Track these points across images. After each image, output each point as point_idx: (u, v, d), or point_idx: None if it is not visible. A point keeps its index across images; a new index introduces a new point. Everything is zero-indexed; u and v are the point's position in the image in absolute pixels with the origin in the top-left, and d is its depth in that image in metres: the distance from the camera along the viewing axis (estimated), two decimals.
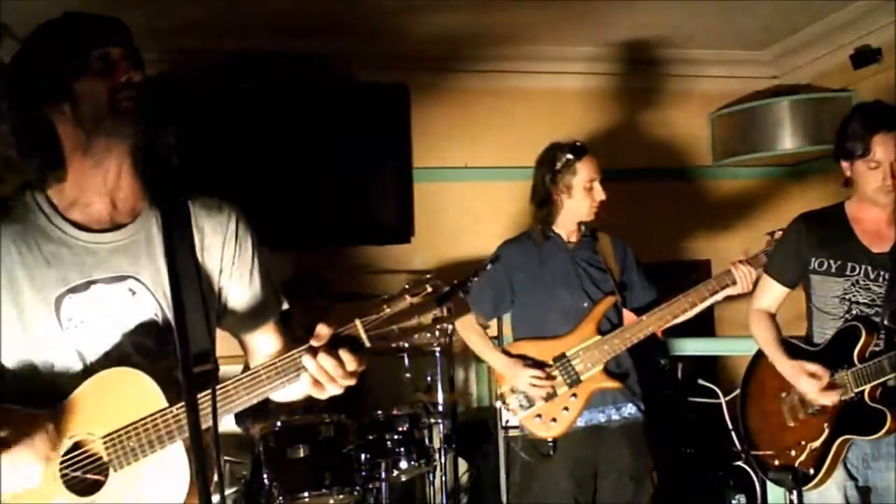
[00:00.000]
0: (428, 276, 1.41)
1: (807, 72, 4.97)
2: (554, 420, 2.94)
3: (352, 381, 1.42)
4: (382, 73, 4.80)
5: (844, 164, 2.62)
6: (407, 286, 1.41)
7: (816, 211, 2.74)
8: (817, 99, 4.71)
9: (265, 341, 1.66)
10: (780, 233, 2.82)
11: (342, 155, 4.70)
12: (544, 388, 2.93)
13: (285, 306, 1.69)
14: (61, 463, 1.43)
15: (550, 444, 2.96)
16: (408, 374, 3.95)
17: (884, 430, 2.42)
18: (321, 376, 1.40)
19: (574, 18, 4.43)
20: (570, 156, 3.06)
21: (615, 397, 2.99)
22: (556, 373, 2.95)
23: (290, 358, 1.42)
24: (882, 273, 2.51)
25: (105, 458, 1.43)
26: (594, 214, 3.09)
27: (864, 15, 4.33)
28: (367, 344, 1.40)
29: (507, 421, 3.89)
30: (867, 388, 2.46)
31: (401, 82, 4.83)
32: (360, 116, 4.74)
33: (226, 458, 3.37)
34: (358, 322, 1.39)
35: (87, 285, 1.48)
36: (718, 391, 3.95)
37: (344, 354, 1.39)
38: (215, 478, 1.43)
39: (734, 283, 2.89)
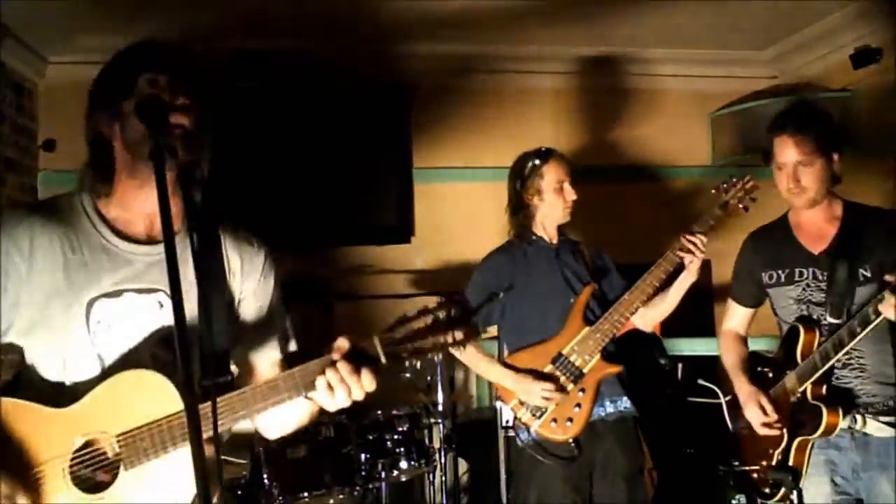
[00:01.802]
0: (443, 298, 1.46)
1: (807, 72, 4.97)
2: (570, 420, 2.93)
3: (362, 396, 1.47)
4: (382, 73, 4.81)
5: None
6: (428, 307, 1.47)
7: (764, 227, 2.75)
8: (817, 99, 4.71)
9: (268, 374, 1.66)
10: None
11: (342, 155, 4.70)
12: (557, 397, 2.93)
13: (293, 347, 1.73)
14: (71, 460, 1.45)
15: (572, 444, 2.95)
16: (408, 374, 3.95)
17: (822, 427, 2.39)
18: (339, 386, 1.44)
19: (574, 19, 4.44)
20: (537, 160, 3.11)
21: (610, 390, 2.99)
22: (557, 373, 2.95)
23: (308, 369, 1.46)
24: (826, 273, 2.49)
25: (116, 457, 1.45)
26: (569, 216, 3.13)
27: (864, 15, 4.33)
28: (384, 360, 1.45)
29: (507, 421, 3.89)
30: (808, 386, 2.44)
31: (401, 82, 4.84)
32: (360, 116, 4.75)
33: (225, 458, 3.37)
34: (376, 338, 1.45)
35: (119, 293, 1.53)
36: (718, 391, 3.95)
37: (363, 369, 1.44)
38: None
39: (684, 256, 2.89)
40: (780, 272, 2.59)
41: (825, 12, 4.47)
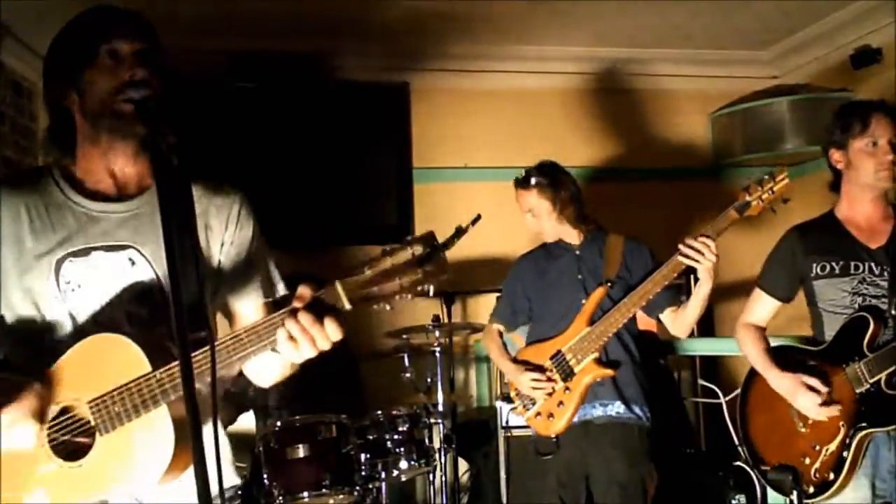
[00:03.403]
0: (408, 238, 1.39)
1: (807, 72, 4.97)
2: (551, 416, 2.97)
3: (328, 346, 1.41)
4: (382, 73, 4.81)
5: (837, 156, 2.61)
6: (387, 248, 1.39)
7: (808, 222, 2.72)
8: (817, 99, 4.71)
9: (253, 319, 1.63)
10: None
11: (342, 155, 4.70)
12: (545, 389, 2.96)
13: (282, 292, 1.70)
14: (49, 428, 1.46)
15: (554, 440, 2.98)
16: (408, 374, 3.95)
17: None
18: (301, 337, 1.38)
19: (575, 18, 4.44)
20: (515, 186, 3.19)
21: (602, 393, 2.98)
22: (553, 369, 2.98)
23: (271, 320, 1.42)
24: (884, 268, 2.50)
25: (92, 423, 1.45)
26: (551, 240, 3.18)
27: (864, 15, 4.33)
28: (347, 305, 1.38)
29: (506, 421, 3.90)
30: (883, 376, 2.40)
31: (401, 82, 4.84)
32: (359, 116, 4.75)
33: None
34: (338, 284, 1.38)
35: (87, 251, 1.52)
36: (719, 391, 3.96)
37: (325, 317, 1.38)
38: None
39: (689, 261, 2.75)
40: (833, 264, 2.56)
41: (825, 12, 4.47)
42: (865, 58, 4.35)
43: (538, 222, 3.14)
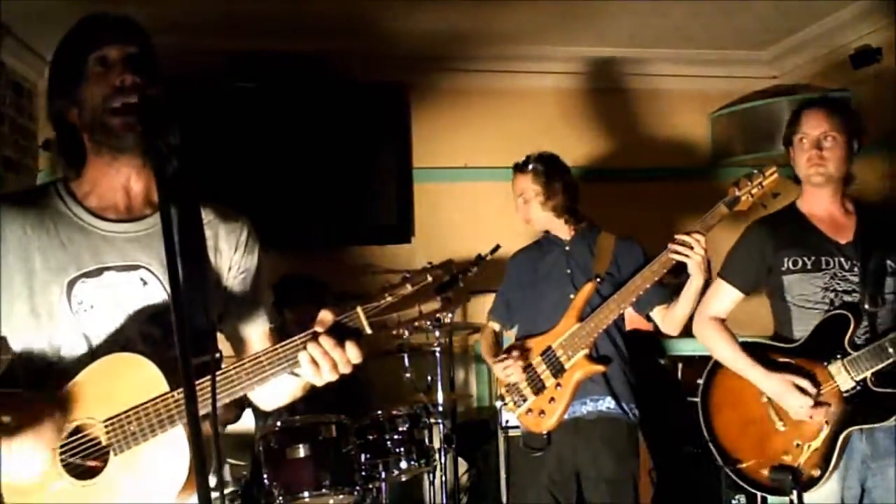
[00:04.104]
0: (429, 264, 1.42)
1: (807, 72, 4.97)
2: (542, 413, 2.97)
3: (349, 369, 1.43)
4: (382, 73, 4.81)
5: (789, 153, 2.68)
6: (408, 275, 1.43)
7: (772, 215, 2.71)
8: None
9: (260, 345, 1.66)
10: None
11: (342, 155, 4.70)
12: (512, 370, 2.95)
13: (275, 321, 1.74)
14: (62, 447, 1.45)
15: (544, 436, 2.99)
16: (408, 374, 3.95)
17: None
18: (323, 360, 1.40)
19: (575, 18, 4.44)
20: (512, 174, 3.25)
21: (592, 389, 2.98)
22: (543, 366, 2.98)
23: (291, 344, 1.43)
24: (854, 262, 2.51)
25: (105, 443, 1.44)
26: (539, 230, 3.23)
27: (864, 15, 4.33)
28: (368, 331, 1.41)
29: (506, 421, 3.91)
30: (869, 374, 2.41)
31: (400, 82, 4.84)
32: (359, 116, 4.75)
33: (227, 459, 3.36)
34: (359, 309, 1.41)
35: (99, 271, 1.52)
36: None
37: (346, 341, 1.41)
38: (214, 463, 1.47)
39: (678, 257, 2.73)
40: (805, 258, 2.55)
41: (825, 12, 4.47)
42: (865, 58, 4.35)
43: (527, 208, 3.17)
